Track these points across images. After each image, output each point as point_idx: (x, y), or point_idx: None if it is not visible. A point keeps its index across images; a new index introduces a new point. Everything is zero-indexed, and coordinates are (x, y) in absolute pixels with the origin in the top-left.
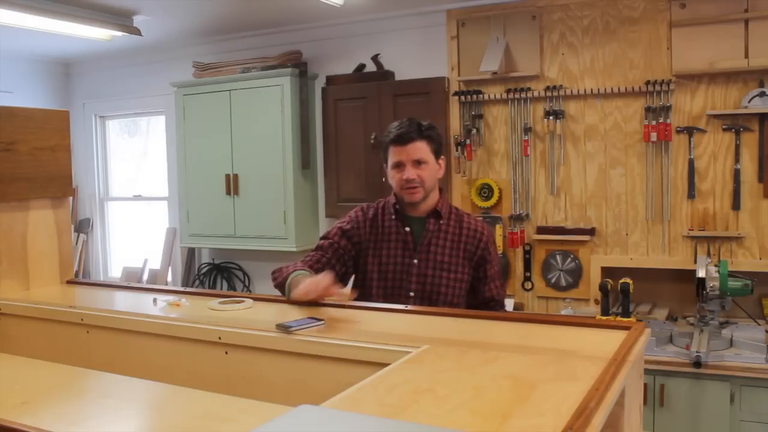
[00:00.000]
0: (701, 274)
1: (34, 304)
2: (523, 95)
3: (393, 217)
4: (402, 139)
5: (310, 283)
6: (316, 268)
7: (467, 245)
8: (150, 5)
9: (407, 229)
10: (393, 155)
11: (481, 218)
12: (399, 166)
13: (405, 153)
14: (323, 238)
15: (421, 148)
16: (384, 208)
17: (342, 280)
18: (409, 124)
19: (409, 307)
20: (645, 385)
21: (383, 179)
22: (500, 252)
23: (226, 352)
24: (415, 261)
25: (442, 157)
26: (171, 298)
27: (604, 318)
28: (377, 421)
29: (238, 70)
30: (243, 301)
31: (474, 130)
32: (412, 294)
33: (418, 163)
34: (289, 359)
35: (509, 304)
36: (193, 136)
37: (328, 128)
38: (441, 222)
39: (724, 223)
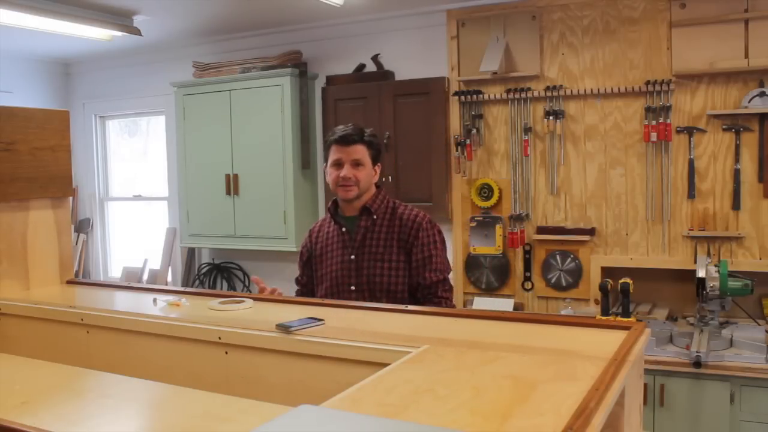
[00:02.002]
0: (701, 274)
1: (34, 304)
2: (523, 95)
3: (332, 222)
4: (345, 140)
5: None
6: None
7: (401, 234)
8: (150, 5)
9: (344, 229)
10: (334, 153)
11: (421, 210)
12: (338, 164)
13: (346, 153)
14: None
15: (360, 151)
16: (327, 218)
17: None
18: (353, 128)
19: (409, 307)
20: (645, 385)
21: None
22: (500, 252)
23: (226, 352)
24: (353, 257)
25: (378, 164)
26: (171, 298)
27: (604, 318)
28: (377, 421)
29: (238, 70)
30: (243, 301)
31: (474, 130)
32: (353, 288)
33: (356, 164)
34: (289, 359)
35: (509, 304)
36: (193, 136)
37: (328, 128)
38: (374, 217)
39: (724, 223)
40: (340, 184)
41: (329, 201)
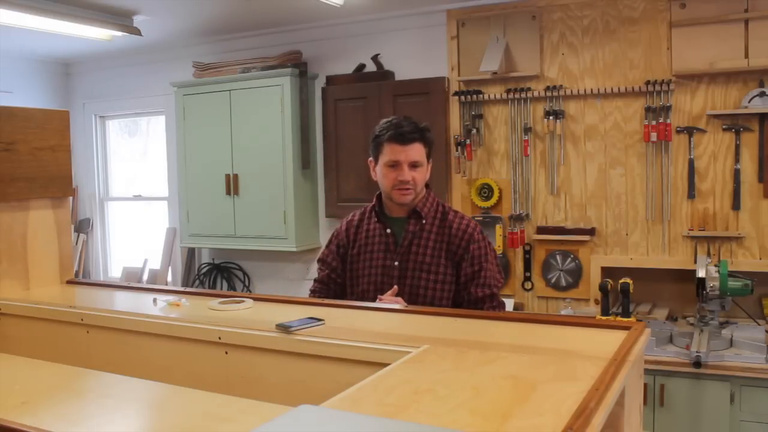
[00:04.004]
0: (701, 274)
1: (34, 304)
2: (523, 95)
3: (375, 220)
4: (404, 138)
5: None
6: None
7: (450, 245)
8: (150, 5)
9: (389, 230)
10: (390, 153)
11: (470, 217)
12: (396, 165)
13: (404, 153)
14: (321, 260)
15: (419, 150)
16: (369, 212)
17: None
18: (409, 123)
19: (409, 307)
20: (645, 385)
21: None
22: (500, 252)
23: (226, 352)
24: (396, 263)
25: (431, 160)
26: (171, 298)
27: (604, 318)
28: (377, 421)
29: (238, 70)
30: (243, 301)
31: (474, 130)
32: None
33: (414, 165)
34: (289, 359)
35: (509, 304)
36: (193, 136)
37: (328, 128)
38: (423, 222)
39: (724, 223)
40: (398, 187)
41: (329, 200)
